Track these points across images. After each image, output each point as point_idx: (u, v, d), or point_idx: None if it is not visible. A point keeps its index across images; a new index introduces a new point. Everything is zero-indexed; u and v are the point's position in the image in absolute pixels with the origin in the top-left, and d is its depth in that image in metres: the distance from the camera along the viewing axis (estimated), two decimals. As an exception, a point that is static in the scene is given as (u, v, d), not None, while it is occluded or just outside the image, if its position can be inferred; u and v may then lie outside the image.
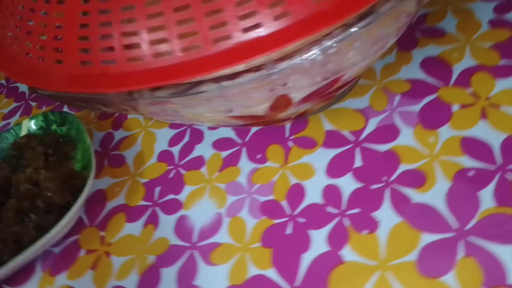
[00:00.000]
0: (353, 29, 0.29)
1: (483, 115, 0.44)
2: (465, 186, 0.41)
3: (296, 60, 0.30)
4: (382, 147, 0.46)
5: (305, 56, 0.30)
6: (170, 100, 0.34)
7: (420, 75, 0.51)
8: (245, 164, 0.51)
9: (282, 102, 0.37)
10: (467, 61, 0.50)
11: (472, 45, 0.51)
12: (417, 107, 0.48)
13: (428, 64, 0.51)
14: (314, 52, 0.30)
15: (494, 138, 0.42)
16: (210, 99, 0.34)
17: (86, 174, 0.54)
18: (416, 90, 0.49)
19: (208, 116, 0.38)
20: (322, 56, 0.31)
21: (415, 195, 0.42)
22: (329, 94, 0.41)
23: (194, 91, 0.33)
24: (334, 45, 0.30)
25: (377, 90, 0.51)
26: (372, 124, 0.48)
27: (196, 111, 0.36)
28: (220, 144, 0.55)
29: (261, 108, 0.37)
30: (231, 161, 0.52)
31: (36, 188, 0.52)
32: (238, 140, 0.54)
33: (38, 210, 0.49)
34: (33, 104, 0.75)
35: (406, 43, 0.54)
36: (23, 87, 0.80)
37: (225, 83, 0.32)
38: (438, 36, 0.54)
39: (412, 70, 0.51)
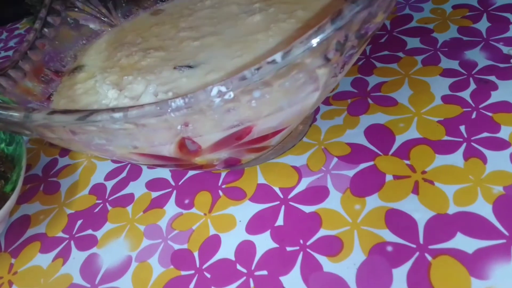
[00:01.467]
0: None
1: (415, 189, 0.42)
2: (380, 261, 0.38)
3: (187, 100, 0.29)
4: (307, 208, 0.44)
5: (194, 97, 0.29)
6: (65, 127, 0.33)
7: (362, 140, 0.49)
8: (171, 208, 0.49)
9: (189, 145, 0.36)
10: (411, 133, 0.48)
11: (420, 117, 0.49)
12: (351, 172, 0.46)
13: (372, 131, 0.50)
14: (205, 97, 0.29)
15: (420, 214, 0.40)
16: (109, 131, 0.33)
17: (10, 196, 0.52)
18: (354, 155, 0.48)
19: (112, 150, 0.36)
20: (218, 101, 0.30)
21: (327, 264, 0.39)
22: (251, 144, 0.40)
23: (90, 119, 0.32)
24: (225, 90, 0.29)
25: (318, 150, 0.50)
26: (304, 184, 0.46)
27: (95, 142, 0.34)
28: (153, 184, 0.53)
29: (166, 148, 0.36)
30: (159, 203, 0.50)
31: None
32: (172, 182, 0.52)
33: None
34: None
35: (357, 108, 0.53)
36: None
37: (116, 115, 0.30)
38: (389, 105, 0.53)
39: (356, 135, 0.50)
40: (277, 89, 0.31)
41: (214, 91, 0.29)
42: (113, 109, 0.31)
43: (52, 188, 0.57)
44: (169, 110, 0.30)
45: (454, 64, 0.56)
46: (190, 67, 0.45)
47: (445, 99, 0.52)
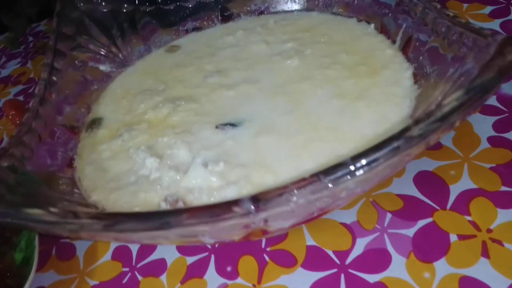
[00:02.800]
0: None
1: (484, 252, 0.39)
2: None
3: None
4: (371, 277, 0.40)
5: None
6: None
7: (414, 191, 0.46)
8: (213, 278, 0.44)
9: (257, 233, 0.32)
10: (465, 183, 0.45)
11: (470, 163, 0.47)
12: (410, 231, 0.42)
13: (422, 180, 0.47)
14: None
15: (498, 283, 0.37)
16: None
17: (25, 271, 0.45)
18: (409, 209, 0.44)
19: (171, 241, 0.32)
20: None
21: None
22: (312, 220, 0.36)
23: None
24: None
25: (366, 203, 0.46)
26: (360, 246, 0.43)
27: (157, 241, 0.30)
28: (186, 247, 0.48)
29: (233, 237, 0.32)
30: (197, 271, 0.45)
31: (-38, 282, 0.43)
32: (208, 245, 0.47)
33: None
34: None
35: (399, 151, 0.50)
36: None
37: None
38: (434, 149, 0.50)
39: (405, 185, 0.47)
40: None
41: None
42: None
43: (66, 252, 0.51)
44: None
45: (491, 100, 0.54)
46: (233, 125, 0.40)
47: (492, 141, 0.49)
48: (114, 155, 0.41)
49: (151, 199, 0.36)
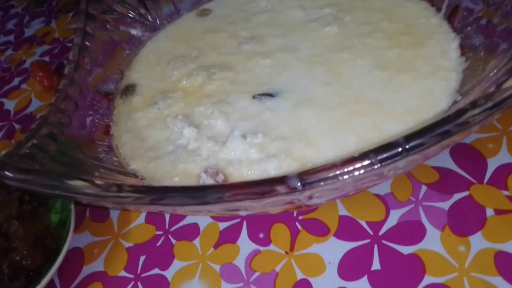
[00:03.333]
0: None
1: (522, 227, 0.39)
2: (499, 316, 0.35)
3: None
4: (405, 249, 0.40)
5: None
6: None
7: (450, 164, 0.45)
8: (245, 243, 0.45)
9: (297, 207, 0.32)
10: (504, 156, 0.44)
11: (509, 137, 0.46)
12: (445, 204, 0.42)
13: (459, 153, 0.46)
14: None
15: (534, 259, 0.37)
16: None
17: (62, 232, 0.47)
18: (444, 182, 0.44)
19: (213, 213, 0.32)
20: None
21: (440, 318, 0.36)
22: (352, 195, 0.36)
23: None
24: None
25: (401, 175, 0.46)
26: (394, 217, 0.43)
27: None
28: (218, 213, 0.48)
29: (271, 211, 0.32)
30: (229, 237, 0.46)
31: (4, 242, 0.45)
32: (240, 212, 0.48)
33: (2, 277, 0.42)
34: (17, 126, 0.68)
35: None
36: (8, 105, 0.73)
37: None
38: (471, 120, 0.48)
39: (442, 157, 0.46)
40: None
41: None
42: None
43: (100, 214, 0.52)
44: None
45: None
46: (270, 95, 0.39)
47: (533, 113, 0.48)
48: (150, 124, 0.41)
49: (191, 170, 0.36)
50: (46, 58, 0.78)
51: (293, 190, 0.26)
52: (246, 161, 0.35)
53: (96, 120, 0.41)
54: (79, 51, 0.43)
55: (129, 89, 0.46)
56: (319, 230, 0.45)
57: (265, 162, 0.35)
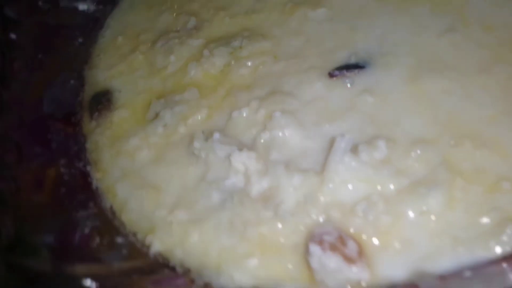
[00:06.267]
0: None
1: None
2: None
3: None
4: None
5: None
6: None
7: None
8: None
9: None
10: None
11: None
12: None
13: None
14: None
15: None
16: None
17: None
18: None
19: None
20: None
21: None
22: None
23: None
24: None
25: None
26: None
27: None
28: None
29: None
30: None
31: None
32: None
33: None
34: None
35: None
36: None
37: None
38: None
39: None
40: None
41: None
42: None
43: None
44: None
45: None
46: (358, 66, 0.23)
47: None
48: (159, 156, 0.24)
49: (276, 238, 0.19)
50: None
51: None
52: (379, 197, 0.19)
53: (63, 171, 0.23)
54: (1, 51, 0.24)
55: (101, 100, 0.28)
56: None
57: (419, 196, 0.19)
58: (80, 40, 0.32)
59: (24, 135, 0.24)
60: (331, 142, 0.20)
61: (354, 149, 0.20)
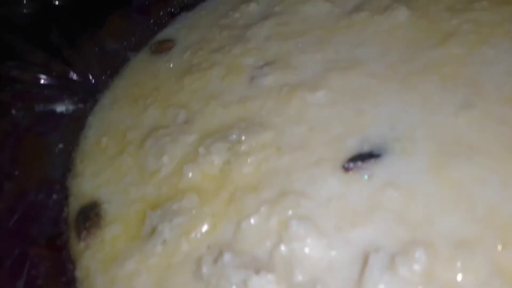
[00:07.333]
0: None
1: None
2: None
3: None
4: None
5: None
6: None
7: None
8: None
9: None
10: None
11: None
12: None
13: None
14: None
15: None
16: None
17: None
18: None
19: None
20: None
21: None
22: None
23: None
24: None
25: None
26: None
27: None
28: None
29: None
30: None
31: None
32: None
33: None
34: None
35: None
36: None
37: None
38: None
39: None
40: None
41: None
42: None
43: None
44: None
45: None
46: (372, 155, 0.21)
47: None
48: (162, 281, 0.21)
49: None
50: None
51: None
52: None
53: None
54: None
55: (89, 215, 0.25)
56: None
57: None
58: (61, 145, 0.29)
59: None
60: (362, 255, 0.18)
61: (391, 262, 0.17)
